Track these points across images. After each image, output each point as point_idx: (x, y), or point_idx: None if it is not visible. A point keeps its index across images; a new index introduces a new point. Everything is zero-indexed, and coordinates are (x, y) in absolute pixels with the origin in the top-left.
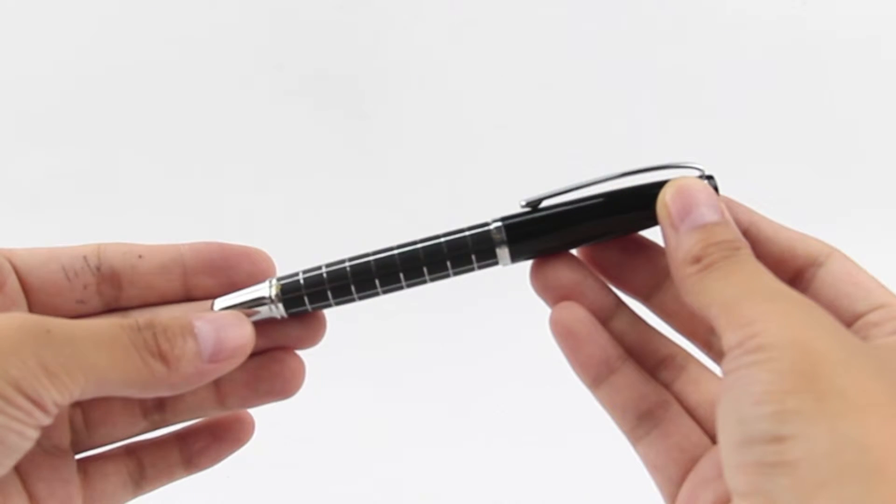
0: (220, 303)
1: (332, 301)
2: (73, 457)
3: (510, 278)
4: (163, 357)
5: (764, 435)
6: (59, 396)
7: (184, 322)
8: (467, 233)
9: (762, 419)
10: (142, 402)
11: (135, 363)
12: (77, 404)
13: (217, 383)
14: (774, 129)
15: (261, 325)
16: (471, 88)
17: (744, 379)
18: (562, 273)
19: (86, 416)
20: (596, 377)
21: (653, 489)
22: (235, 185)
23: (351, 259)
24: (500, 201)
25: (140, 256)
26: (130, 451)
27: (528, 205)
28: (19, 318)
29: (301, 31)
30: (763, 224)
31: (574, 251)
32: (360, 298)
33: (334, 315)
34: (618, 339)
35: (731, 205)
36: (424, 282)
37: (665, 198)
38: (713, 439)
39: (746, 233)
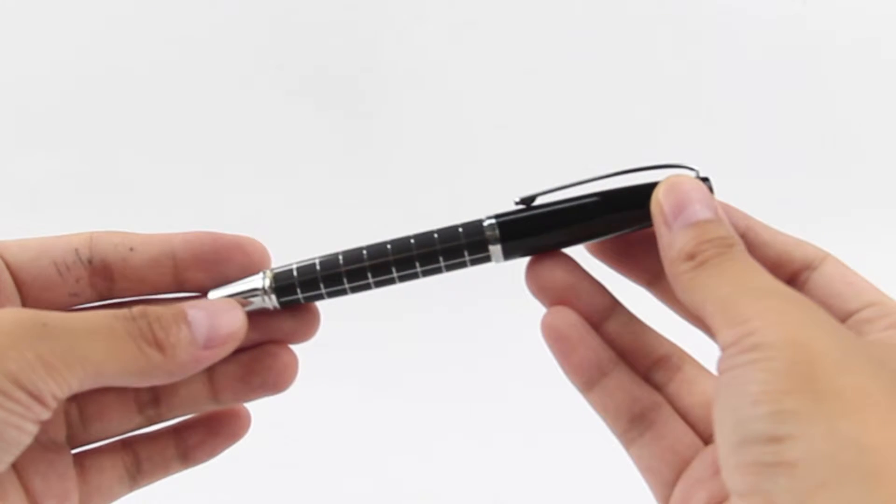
0: (214, 294)
1: (324, 292)
2: (69, 451)
3: (510, 279)
4: (158, 345)
5: (762, 435)
6: (57, 389)
7: (176, 310)
8: (461, 228)
9: (760, 419)
10: (137, 397)
11: (131, 352)
12: (72, 399)
13: (210, 378)
14: (774, 129)
15: (254, 319)
16: (470, 88)
17: (740, 378)
18: (556, 274)
19: (81, 411)
20: (588, 381)
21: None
22: (235, 185)
23: (344, 251)
24: (499, 201)
25: (132, 249)
26: (126, 445)
27: (521, 202)
28: (15, 313)
29: (301, 31)
30: (759, 229)
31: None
32: (353, 290)
33: (335, 315)
34: (613, 339)
35: (727, 210)
36: (416, 275)
37: (658, 195)
38: (706, 441)
39: (743, 237)
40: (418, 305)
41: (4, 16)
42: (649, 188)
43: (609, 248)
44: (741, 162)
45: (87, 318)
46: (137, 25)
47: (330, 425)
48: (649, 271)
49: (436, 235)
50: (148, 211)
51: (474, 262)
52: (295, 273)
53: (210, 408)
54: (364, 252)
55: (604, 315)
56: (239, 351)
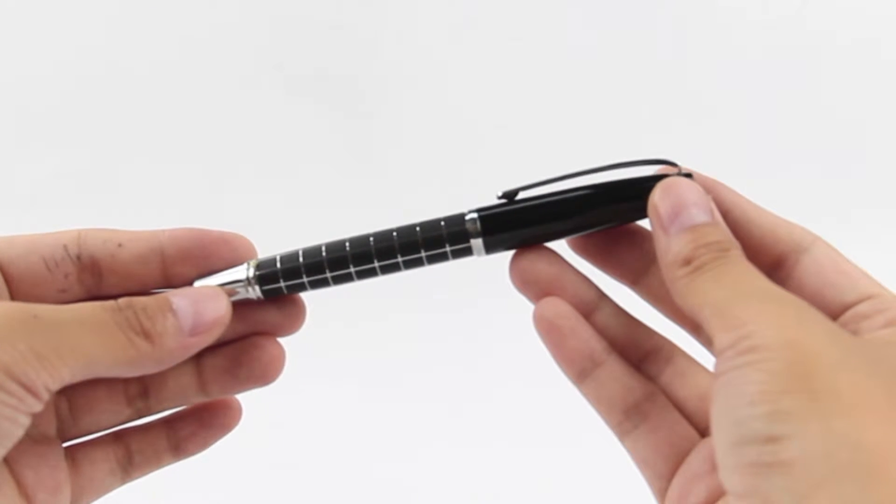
0: (199, 284)
1: (306, 281)
2: (60, 444)
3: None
4: (146, 334)
5: (759, 435)
6: (50, 381)
7: (160, 299)
8: (443, 222)
9: (757, 419)
10: (126, 390)
11: (121, 343)
12: (62, 392)
13: (198, 370)
14: (774, 129)
15: (241, 312)
16: (471, 88)
17: (737, 380)
18: (539, 267)
19: (71, 404)
20: (580, 372)
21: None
22: (235, 184)
23: (328, 242)
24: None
25: (120, 245)
26: (118, 437)
27: (503, 196)
28: (5, 306)
29: (301, 31)
30: (746, 206)
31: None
32: (335, 281)
33: (335, 316)
34: (602, 332)
35: (714, 186)
36: (398, 267)
37: (654, 198)
38: (702, 433)
39: (728, 214)
40: (418, 305)
41: (4, 16)
42: (631, 183)
43: (592, 246)
44: (741, 162)
45: (77, 310)
46: (137, 25)
47: (329, 425)
48: (633, 270)
49: (418, 228)
50: (147, 211)
51: (456, 255)
52: (278, 262)
53: (198, 400)
54: (347, 243)
55: (590, 307)
56: (226, 343)
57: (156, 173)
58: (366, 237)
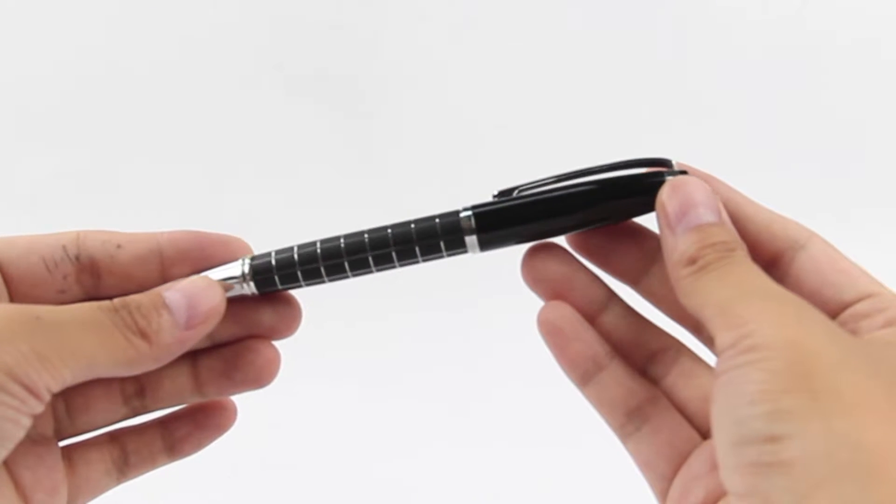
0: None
1: (299, 271)
2: (57, 445)
3: (511, 279)
4: (143, 334)
5: (759, 435)
6: (52, 382)
7: (153, 296)
8: (437, 219)
9: (757, 419)
10: (122, 390)
11: (119, 343)
12: (59, 392)
13: (194, 371)
14: (774, 129)
15: (236, 314)
16: (471, 88)
17: (738, 379)
18: (551, 266)
19: (67, 404)
20: (584, 375)
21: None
22: (235, 185)
23: (323, 238)
24: None
25: (119, 246)
26: (114, 438)
27: (500, 194)
28: (8, 308)
29: (301, 31)
30: (741, 202)
31: (562, 239)
32: (329, 275)
33: (334, 316)
34: (610, 332)
35: (709, 181)
36: (392, 263)
37: (662, 197)
38: (703, 435)
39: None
40: (417, 305)
41: (4, 16)
42: (625, 181)
43: (592, 246)
44: (741, 161)
45: (76, 311)
46: (137, 25)
47: (329, 425)
48: (633, 269)
49: (413, 224)
50: (147, 211)
51: (451, 253)
52: (272, 257)
53: (194, 400)
54: (341, 239)
55: (600, 307)
56: (222, 346)
57: (155, 173)
58: (360, 234)
